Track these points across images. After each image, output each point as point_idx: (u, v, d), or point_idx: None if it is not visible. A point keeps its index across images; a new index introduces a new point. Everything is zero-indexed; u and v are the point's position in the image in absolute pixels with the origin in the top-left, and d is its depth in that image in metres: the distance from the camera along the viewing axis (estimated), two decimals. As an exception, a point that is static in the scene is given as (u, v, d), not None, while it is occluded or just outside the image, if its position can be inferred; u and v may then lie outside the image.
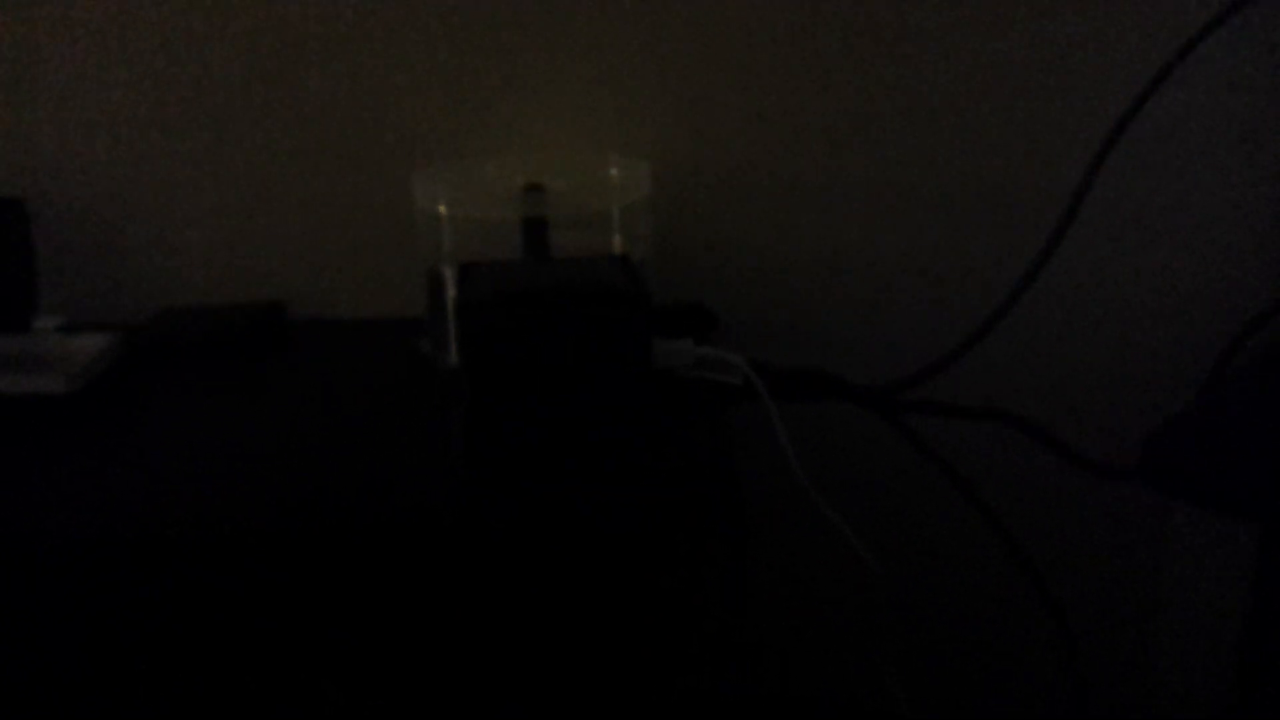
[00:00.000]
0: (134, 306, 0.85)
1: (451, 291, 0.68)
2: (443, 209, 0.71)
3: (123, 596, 0.54)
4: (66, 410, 0.67)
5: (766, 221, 0.83)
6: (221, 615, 0.54)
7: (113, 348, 0.74)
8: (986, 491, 0.73)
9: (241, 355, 0.77)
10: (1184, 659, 0.57)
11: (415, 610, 0.55)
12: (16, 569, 0.53)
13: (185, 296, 0.86)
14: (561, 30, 0.80)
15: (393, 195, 0.83)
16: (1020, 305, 0.65)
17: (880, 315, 0.84)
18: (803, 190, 0.82)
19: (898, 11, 0.78)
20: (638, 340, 0.56)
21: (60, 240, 0.85)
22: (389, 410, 0.67)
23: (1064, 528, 0.82)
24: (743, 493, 0.55)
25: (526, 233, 0.71)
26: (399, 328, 0.79)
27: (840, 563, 0.59)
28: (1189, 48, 0.65)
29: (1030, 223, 0.77)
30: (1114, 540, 0.82)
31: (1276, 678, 0.55)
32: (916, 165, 0.81)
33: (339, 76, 0.81)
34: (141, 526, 0.55)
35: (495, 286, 0.58)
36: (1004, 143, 0.80)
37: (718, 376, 0.59)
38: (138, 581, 0.54)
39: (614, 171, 0.77)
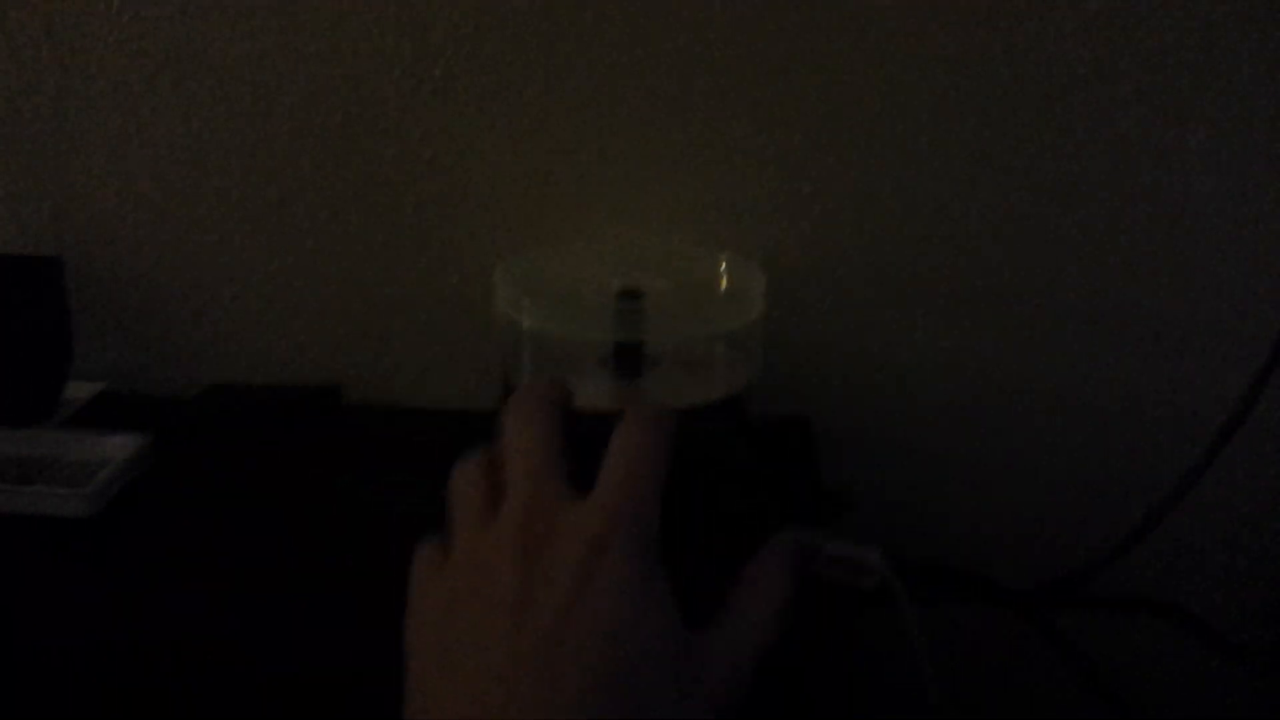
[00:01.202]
0: (178, 377, 0.78)
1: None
2: (525, 322, 0.61)
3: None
4: (87, 532, 0.59)
5: (892, 341, 0.71)
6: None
7: (143, 454, 0.66)
8: (1154, 709, 0.62)
9: (292, 438, 0.71)
10: None
11: None
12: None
13: (231, 372, 0.77)
14: (664, 116, 0.70)
15: (471, 285, 0.73)
16: (1204, 481, 0.54)
17: (1033, 477, 0.72)
18: (938, 309, 0.70)
19: (1063, 90, 0.66)
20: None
21: (101, 303, 0.76)
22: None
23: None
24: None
25: (619, 354, 0.61)
26: (474, 422, 0.69)
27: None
28: None
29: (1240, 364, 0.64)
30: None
31: None
32: (1093, 282, 0.68)
33: (417, 147, 0.72)
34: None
35: (579, 443, 0.47)
36: (1210, 258, 0.66)
37: (847, 576, 0.48)
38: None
39: (724, 280, 0.67)
